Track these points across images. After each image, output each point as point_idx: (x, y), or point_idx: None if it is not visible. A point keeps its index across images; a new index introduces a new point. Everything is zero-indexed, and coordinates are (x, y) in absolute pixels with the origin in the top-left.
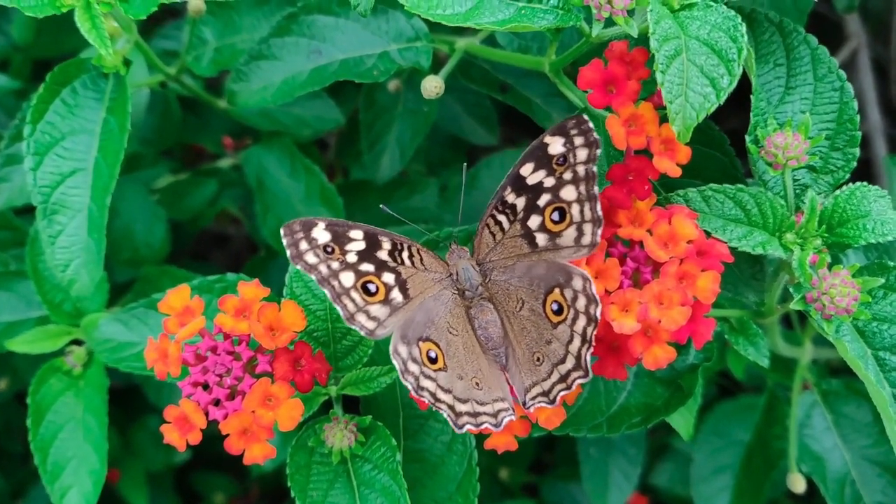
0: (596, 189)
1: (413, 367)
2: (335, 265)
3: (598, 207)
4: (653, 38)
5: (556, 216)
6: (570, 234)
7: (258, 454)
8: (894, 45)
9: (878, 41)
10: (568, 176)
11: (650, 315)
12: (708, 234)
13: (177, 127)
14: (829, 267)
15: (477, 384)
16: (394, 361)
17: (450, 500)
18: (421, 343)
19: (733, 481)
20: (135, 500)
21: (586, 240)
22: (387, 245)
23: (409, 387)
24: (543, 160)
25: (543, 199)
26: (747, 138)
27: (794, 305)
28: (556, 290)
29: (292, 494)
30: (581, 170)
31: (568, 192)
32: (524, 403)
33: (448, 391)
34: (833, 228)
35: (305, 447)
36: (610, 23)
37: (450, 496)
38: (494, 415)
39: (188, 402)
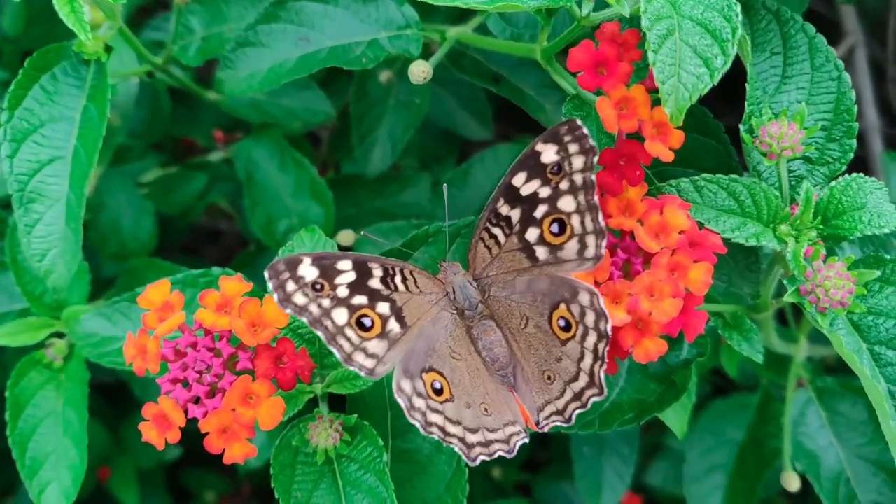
0: (596, 199)
1: (419, 403)
2: (326, 303)
3: (601, 218)
4: (644, 17)
5: (555, 228)
6: (573, 246)
7: (238, 453)
8: (891, 44)
9: (875, 40)
10: (565, 185)
11: (641, 307)
12: (701, 224)
13: (166, 120)
14: (824, 259)
15: (486, 410)
16: (398, 400)
17: (439, 501)
18: (424, 375)
19: (726, 480)
20: (125, 498)
21: (590, 252)
22: (378, 272)
23: (418, 425)
24: (536, 169)
25: (540, 211)
26: (741, 128)
27: (787, 297)
28: (563, 306)
29: (276, 495)
30: (578, 178)
31: (566, 203)
32: (538, 423)
33: (457, 423)
34: (828, 220)
35: (290, 446)
36: (601, 5)
37: (439, 496)
38: (506, 440)
39: (167, 399)
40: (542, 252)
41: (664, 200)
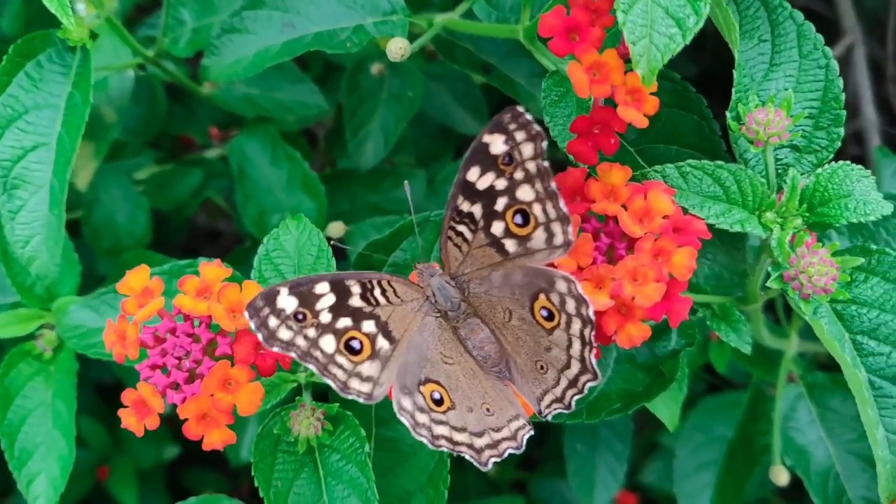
0: (554, 185)
1: (422, 418)
2: (311, 332)
3: (562, 204)
4: None
5: (518, 219)
6: (540, 235)
7: (217, 439)
8: (890, 43)
9: (874, 39)
10: (519, 175)
11: (624, 291)
12: (685, 210)
13: (162, 116)
14: (809, 246)
15: (488, 410)
16: (402, 419)
17: (421, 492)
18: (422, 387)
19: (716, 478)
20: (124, 498)
21: (559, 239)
22: (356, 289)
23: (426, 441)
24: (488, 162)
25: (501, 204)
26: (728, 115)
27: (771, 283)
28: (542, 296)
29: (255, 483)
30: (531, 166)
31: (525, 193)
32: (540, 412)
33: (463, 430)
34: (814, 208)
35: (271, 435)
36: None
37: (421, 487)
38: (513, 436)
39: (146, 385)
40: (510, 244)
41: (648, 185)
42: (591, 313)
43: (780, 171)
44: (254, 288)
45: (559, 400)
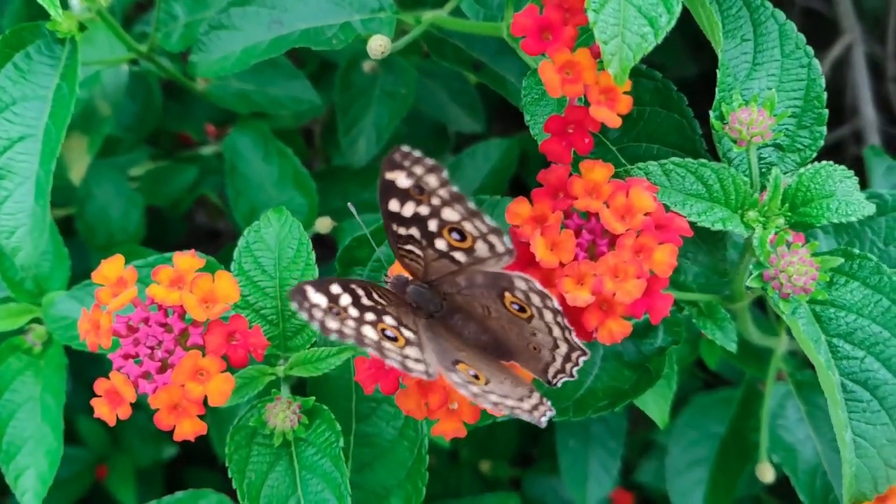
0: (471, 204)
1: (475, 389)
2: (351, 323)
3: (488, 219)
4: None
5: (456, 236)
6: (482, 247)
7: (188, 430)
8: (890, 43)
9: (874, 38)
10: (437, 201)
11: (605, 288)
12: (667, 207)
13: (158, 113)
14: (789, 245)
15: (513, 384)
16: (462, 394)
17: (399, 487)
18: (458, 366)
19: (708, 475)
20: (122, 496)
21: (500, 249)
22: (360, 291)
23: (489, 408)
24: (401, 194)
25: (433, 225)
26: (712, 114)
27: (750, 282)
28: (507, 294)
29: (229, 475)
30: (444, 193)
31: (450, 214)
32: (549, 383)
33: (507, 396)
34: (797, 207)
35: (247, 427)
36: None
37: (399, 483)
38: (542, 402)
39: (118, 374)
40: (459, 256)
41: (631, 182)
42: (556, 304)
43: (763, 170)
44: (226, 278)
45: (562, 371)
